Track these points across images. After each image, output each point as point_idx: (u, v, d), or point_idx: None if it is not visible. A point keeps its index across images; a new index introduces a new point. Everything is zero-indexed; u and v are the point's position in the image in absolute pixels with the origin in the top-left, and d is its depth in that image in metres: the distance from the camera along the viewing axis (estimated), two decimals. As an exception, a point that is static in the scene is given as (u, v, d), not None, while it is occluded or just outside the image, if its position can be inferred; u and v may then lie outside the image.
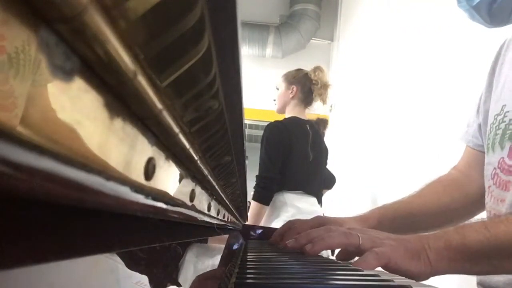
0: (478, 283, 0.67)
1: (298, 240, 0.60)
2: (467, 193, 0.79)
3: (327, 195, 2.11)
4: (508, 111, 0.65)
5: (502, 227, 0.49)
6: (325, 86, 1.84)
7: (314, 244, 0.57)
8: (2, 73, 0.08)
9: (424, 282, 0.44)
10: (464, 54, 1.42)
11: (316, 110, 1.91)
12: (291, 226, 0.77)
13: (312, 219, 0.76)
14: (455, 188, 0.80)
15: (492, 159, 0.68)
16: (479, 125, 0.77)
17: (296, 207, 1.69)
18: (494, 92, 0.71)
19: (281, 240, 0.75)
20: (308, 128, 1.80)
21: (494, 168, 0.67)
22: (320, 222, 0.73)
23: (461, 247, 0.50)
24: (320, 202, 1.85)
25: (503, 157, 0.64)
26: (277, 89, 1.89)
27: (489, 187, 0.68)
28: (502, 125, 0.66)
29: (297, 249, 0.60)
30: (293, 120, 1.80)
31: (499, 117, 0.67)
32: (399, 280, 0.44)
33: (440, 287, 0.41)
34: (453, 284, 1.20)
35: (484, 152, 0.73)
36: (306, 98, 1.84)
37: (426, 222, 0.79)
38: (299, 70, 1.90)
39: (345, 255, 0.59)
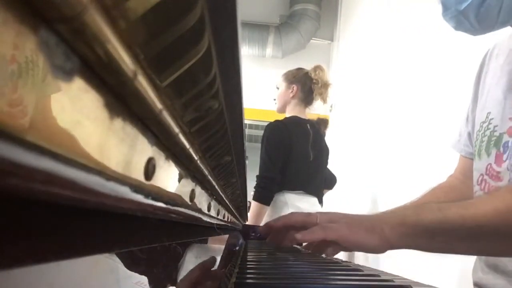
0: (475, 285, 0.68)
1: (267, 223, 0.71)
2: (466, 199, 0.79)
3: (327, 195, 2.11)
4: (492, 118, 0.66)
5: (453, 209, 0.51)
6: (325, 85, 1.83)
7: (276, 220, 0.69)
8: (1, 73, 0.08)
9: (424, 282, 0.44)
10: (464, 53, 1.42)
11: (316, 110, 1.91)
12: None
13: None
14: (454, 194, 0.81)
15: (479, 166, 0.69)
16: (469, 134, 0.78)
17: (296, 207, 1.69)
18: (480, 100, 0.73)
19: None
20: (309, 127, 1.80)
21: (481, 175, 0.67)
22: None
23: (415, 225, 0.53)
24: (321, 202, 1.84)
25: (490, 164, 0.65)
26: (277, 88, 1.89)
27: (475, 192, 0.69)
28: (488, 132, 0.67)
29: (268, 231, 0.71)
30: (294, 120, 1.80)
31: (484, 125, 0.68)
32: (399, 280, 0.44)
33: (440, 287, 0.41)
34: (453, 284, 1.20)
35: None
36: (307, 97, 1.84)
37: None
38: (299, 69, 1.89)
39: (317, 247, 0.63)
